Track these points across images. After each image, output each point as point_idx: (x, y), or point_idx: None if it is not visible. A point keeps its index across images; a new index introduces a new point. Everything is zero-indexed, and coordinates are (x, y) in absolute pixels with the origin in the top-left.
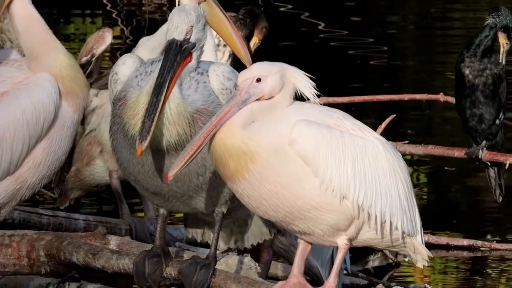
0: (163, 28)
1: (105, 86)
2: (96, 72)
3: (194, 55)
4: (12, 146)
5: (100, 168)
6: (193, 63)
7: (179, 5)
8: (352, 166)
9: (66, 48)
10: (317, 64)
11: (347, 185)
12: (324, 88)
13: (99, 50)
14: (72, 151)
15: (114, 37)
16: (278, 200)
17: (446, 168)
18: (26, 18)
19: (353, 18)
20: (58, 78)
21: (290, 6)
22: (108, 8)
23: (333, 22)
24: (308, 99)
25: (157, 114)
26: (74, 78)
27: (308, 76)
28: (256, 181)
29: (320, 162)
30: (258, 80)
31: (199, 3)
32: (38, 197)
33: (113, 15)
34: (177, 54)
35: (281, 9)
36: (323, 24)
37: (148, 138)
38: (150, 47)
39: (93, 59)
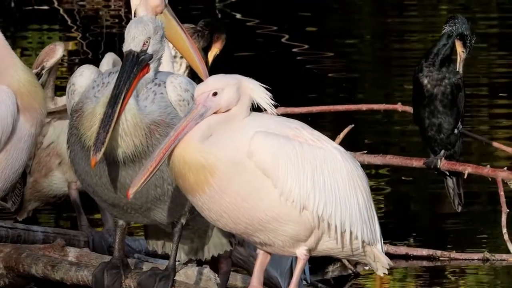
0: None
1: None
2: (48, 86)
3: (152, 66)
4: None
5: (58, 180)
6: (150, 74)
7: (135, 17)
8: (311, 177)
9: (24, 60)
10: (274, 75)
11: (307, 196)
12: (282, 98)
13: (49, 63)
14: (28, 163)
15: (73, 52)
16: (238, 212)
17: (404, 177)
18: None
19: (309, 29)
20: (16, 94)
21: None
22: (66, 22)
23: (290, 32)
24: (266, 110)
25: (112, 125)
26: (32, 94)
27: (264, 87)
28: (216, 194)
29: (280, 173)
30: (215, 93)
31: (155, 15)
32: None
33: (72, 30)
34: (134, 65)
35: (237, 16)
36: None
37: (103, 149)
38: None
39: (43, 71)
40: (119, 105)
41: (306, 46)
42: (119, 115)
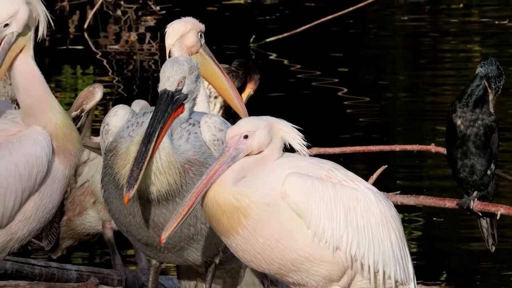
0: None
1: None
2: (86, 127)
3: (187, 106)
4: (5, 200)
5: (92, 218)
6: (185, 114)
7: (169, 57)
8: (344, 217)
9: (57, 97)
10: (307, 115)
11: (340, 236)
12: (315, 139)
13: (88, 105)
14: (62, 202)
15: (105, 86)
16: (272, 253)
17: (437, 218)
18: (27, 75)
19: (341, 69)
20: (52, 135)
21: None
22: (98, 57)
23: (322, 73)
24: (298, 151)
25: (145, 163)
26: (67, 136)
27: (296, 128)
28: (249, 235)
29: (313, 214)
30: (246, 136)
31: (191, 55)
32: (30, 247)
33: (106, 70)
34: (168, 104)
35: (271, 56)
36: (314, 73)
37: (136, 187)
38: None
39: (83, 114)
40: (153, 143)
41: (338, 87)
42: (153, 153)
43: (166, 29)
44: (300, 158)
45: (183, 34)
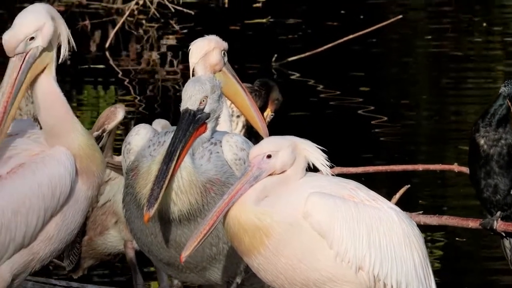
0: None
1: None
2: (108, 147)
3: (209, 125)
4: (27, 220)
5: (114, 238)
6: (207, 133)
7: (193, 75)
8: (367, 237)
9: (78, 116)
10: (329, 135)
11: (363, 256)
12: (337, 158)
13: (110, 125)
14: (84, 221)
15: (127, 105)
16: (294, 273)
17: (460, 238)
18: (49, 95)
19: (362, 88)
20: (75, 156)
21: (297, 74)
22: (120, 76)
23: (344, 92)
24: (321, 170)
25: (166, 182)
26: (91, 157)
27: (319, 148)
28: (271, 255)
29: (335, 234)
30: (269, 155)
31: (214, 73)
32: (51, 267)
33: (126, 85)
34: (190, 123)
35: (293, 75)
36: (336, 93)
37: (156, 205)
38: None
39: (104, 134)
40: (174, 162)
41: (360, 106)
42: (174, 172)
43: (190, 47)
44: (323, 177)
45: (207, 52)
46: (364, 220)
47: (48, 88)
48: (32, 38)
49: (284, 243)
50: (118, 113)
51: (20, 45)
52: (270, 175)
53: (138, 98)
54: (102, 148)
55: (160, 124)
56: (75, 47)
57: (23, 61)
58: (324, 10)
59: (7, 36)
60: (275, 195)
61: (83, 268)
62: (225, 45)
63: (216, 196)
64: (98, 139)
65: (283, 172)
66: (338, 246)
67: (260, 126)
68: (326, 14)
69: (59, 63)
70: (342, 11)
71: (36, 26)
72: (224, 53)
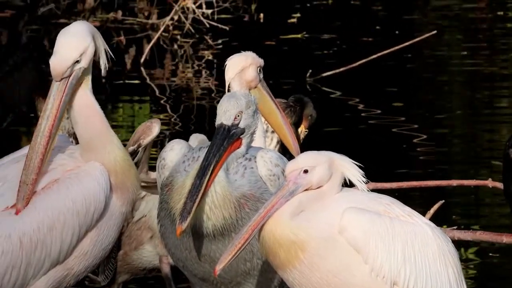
0: None
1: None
2: (143, 162)
3: (244, 141)
4: (62, 235)
5: (149, 253)
6: (242, 149)
7: (228, 90)
8: (402, 252)
9: (114, 131)
10: (363, 150)
11: (397, 272)
12: (371, 174)
13: (145, 140)
14: (119, 236)
15: (162, 120)
16: (329, 287)
17: (494, 253)
18: (86, 109)
19: (396, 104)
20: (111, 171)
21: (339, 93)
22: (155, 91)
23: (379, 107)
24: (356, 186)
25: (199, 196)
26: (126, 172)
27: (356, 164)
28: (306, 269)
29: (370, 249)
30: (306, 171)
31: (249, 89)
32: (87, 282)
33: (161, 101)
34: (225, 138)
35: (327, 91)
36: (370, 108)
37: (189, 219)
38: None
39: (139, 149)
40: (207, 177)
41: (394, 122)
42: (207, 187)
43: (226, 63)
44: (358, 193)
45: (243, 68)
46: (399, 235)
47: (85, 101)
48: (77, 62)
49: (319, 258)
50: (154, 128)
51: (68, 70)
52: (306, 190)
53: (173, 113)
54: (137, 163)
55: (197, 138)
56: (113, 60)
57: (66, 84)
58: (359, 26)
59: (55, 62)
60: (310, 210)
61: (118, 283)
62: (261, 61)
63: (250, 212)
64: (133, 154)
65: (319, 187)
66: (373, 261)
67: (293, 145)
68: (361, 30)
69: (101, 77)
70: (377, 27)
71: (81, 50)
72: (260, 70)
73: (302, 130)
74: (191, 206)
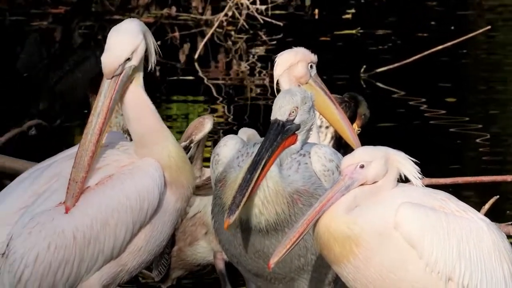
0: None
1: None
2: (197, 158)
3: (299, 137)
4: (116, 232)
5: (203, 249)
6: (297, 145)
7: (277, 87)
8: (457, 248)
9: (168, 127)
10: (417, 146)
11: (453, 267)
12: (425, 169)
13: (197, 136)
14: (173, 232)
15: (216, 116)
16: (384, 283)
17: None
18: (138, 105)
19: (449, 99)
20: (165, 167)
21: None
22: (209, 87)
23: (432, 102)
24: (411, 181)
25: (249, 190)
26: (180, 168)
27: (412, 160)
28: (361, 264)
29: (425, 244)
30: (362, 166)
31: (299, 85)
32: (141, 278)
33: (217, 101)
34: (278, 134)
35: (381, 86)
36: (424, 104)
37: (237, 213)
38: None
39: (192, 144)
40: (258, 171)
41: (448, 117)
42: (258, 181)
43: (275, 59)
44: (413, 188)
45: (291, 64)
46: (454, 231)
47: (137, 98)
48: (128, 59)
49: (373, 253)
50: (206, 124)
51: (119, 68)
52: (361, 185)
53: (227, 109)
54: (190, 159)
55: (246, 133)
56: (161, 56)
57: (117, 82)
58: (414, 21)
59: (106, 60)
60: (365, 205)
61: (172, 278)
62: (312, 57)
63: (303, 207)
64: (185, 149)
65: (374, 182)
66: (428, 257)
67: (351, 138)
68: (415, 25)
69: (149, 71)
70: (432, 22)
71: (133, 48)
72: (311, 66)
73: (355, 128)
74: (240, 199)
